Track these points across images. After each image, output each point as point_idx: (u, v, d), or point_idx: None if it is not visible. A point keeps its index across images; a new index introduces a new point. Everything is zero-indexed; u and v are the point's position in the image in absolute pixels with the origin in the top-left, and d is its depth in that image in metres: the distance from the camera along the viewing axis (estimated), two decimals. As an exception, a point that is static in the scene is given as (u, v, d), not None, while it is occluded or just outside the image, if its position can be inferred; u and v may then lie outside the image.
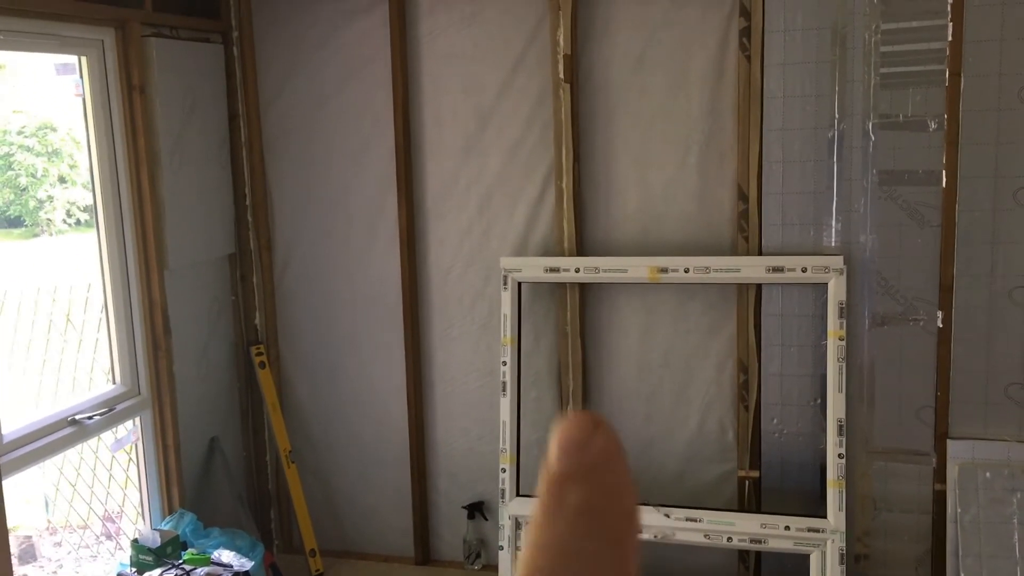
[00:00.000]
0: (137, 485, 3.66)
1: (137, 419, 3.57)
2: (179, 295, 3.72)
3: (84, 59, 3.30)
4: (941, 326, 3.47)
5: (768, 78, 3.50)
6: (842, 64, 3.44)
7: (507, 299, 3.77)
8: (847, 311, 3.49)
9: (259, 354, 4.14)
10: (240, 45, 3.98)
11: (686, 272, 3.58)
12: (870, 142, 3.45)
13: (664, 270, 3.60)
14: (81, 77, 3.33)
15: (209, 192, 3.89)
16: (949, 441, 3.50)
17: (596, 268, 3.68)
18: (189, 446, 3.79)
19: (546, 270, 3.74)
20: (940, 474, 3.54)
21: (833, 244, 3.53)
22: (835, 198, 3.51)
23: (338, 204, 4.08)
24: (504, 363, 3.77)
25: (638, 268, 3.63)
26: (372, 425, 4.19)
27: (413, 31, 3.88)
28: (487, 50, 3.81)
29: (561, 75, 3.69)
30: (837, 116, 3.47)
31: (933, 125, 3.39)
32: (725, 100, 3.60)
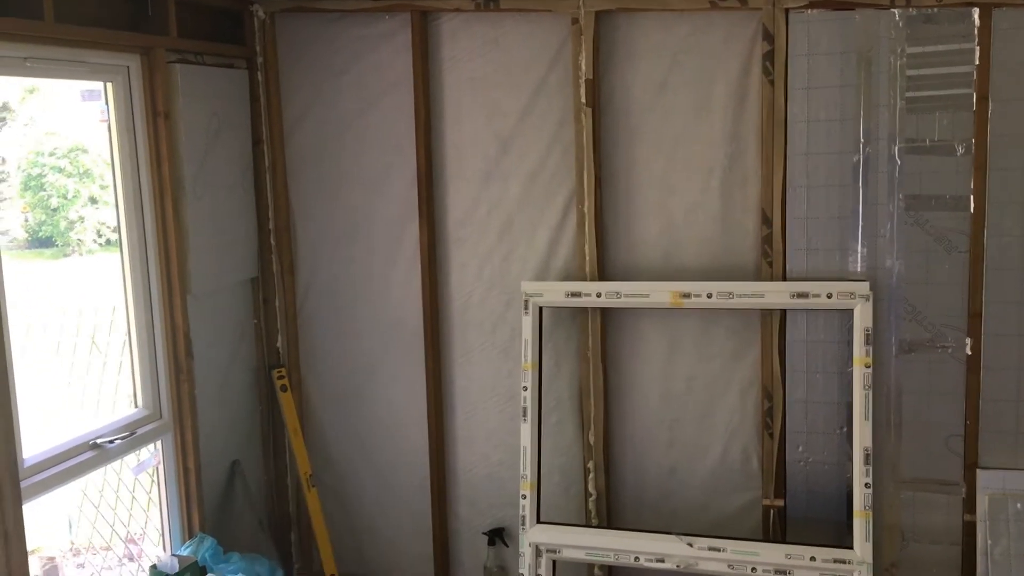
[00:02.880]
0: (159, 508, 3.66)
1: (158, 443, 3.57)
2: (202, 319, 3.72)
3: (110, 85, 3.33)
4: (970, 353, 3.41)
5: (792, 102, 3.47)
6: (867, 88, 3.40)
7: (528, 324, 3.75)
8: (873, 338, 3.43)
9: (280, 377, 4.14)
10: (265, 70, 4.01)
11: (709, 297, 3.54)
12: (896, 167, 3.41)
13: (687, 295, 3.56)
14: (106, 103, 3.36)
15: (232, 216, 3.90)
16: (979, 471, 3.43)
17: (617, 293, 3.65)
18: (210, 470, 3.79)
19: (567, 295, 3.71)
20: (970, 504, 3.47)
21: (859, 270, 3.48)
22: (861, 223, 3.47)
23: (360, 229, 4.09)
24: (524, 388, 3.74)
25: (660, 293, 3.59)
26: (392, 450, 4.17)
27: (435, 56, 3.89)
28: (509, 75, 3.81)
29: (583, 99, 3.67)
30: (862, 140, 3.43)
31: (960, 150, 3.34)
32: (748, 124, 3.58)
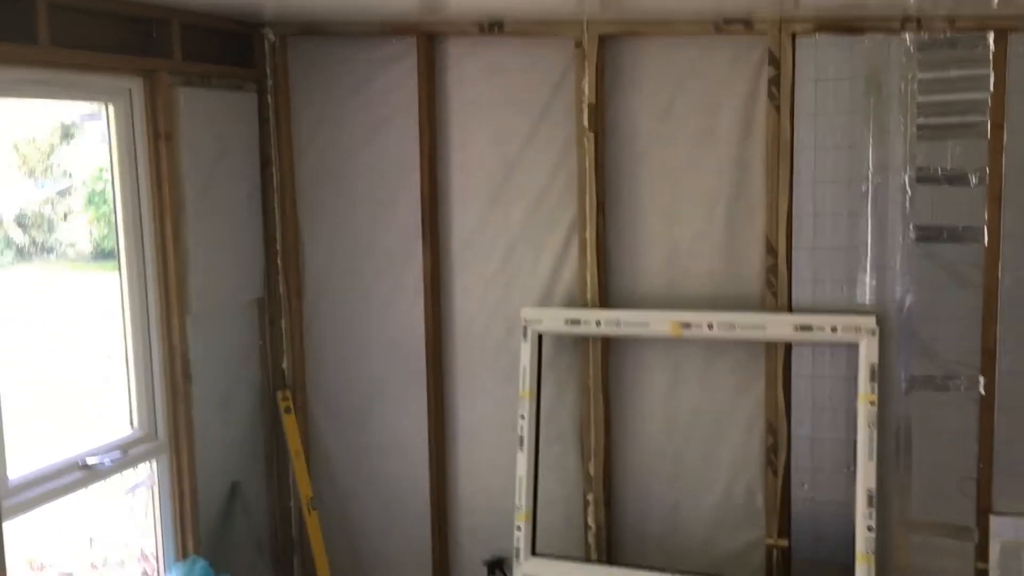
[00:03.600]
0: (153, 528, 3.66)
1: (153, 463, 3.57)
2: (203, 339, 3.73)
3: (111, 106, 3.37)
4: (984, 393, 3.26)
5: (799, 129, 3.37)
6: (877, 115, 3.29)
7: (527, 351, 3.68)
8: (882, 374, 3.30)
9: (285, 399, 4.13)
10: (275, 93, 4.02)
11: (710, 328, 3.44)
12: (906, 196, 3.28)
13: (687, 325, 3.47)
14: (108, 124, 3.39)
15: (237, 237, 3.91)
16: (992, 517, 3.26)
17: (617, 321, 3.57)
18: (208, 490, 3.78)
19: (566, 322, 3.64)
20: (982, 551, 3.31)
21: (867, 302, 3.36)
22: (869, 254, 3.34)
23: (367, 251, 4.07)
24: (522, 417, 3.67)
25: (660, 322, 3.50)
26: (395, 476, 4.12)
27: (442, 79, 3.86)
28: (514, 99, 3.77)
29: (586, 124, 3.62)
30: (872, 169, 3.31)
31: (974, 179, 3.20)
32: (755, 152, 3.48)
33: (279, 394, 4.12)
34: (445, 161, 3.90)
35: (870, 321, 3.26)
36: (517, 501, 3.65)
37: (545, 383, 3.80)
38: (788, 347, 3.47)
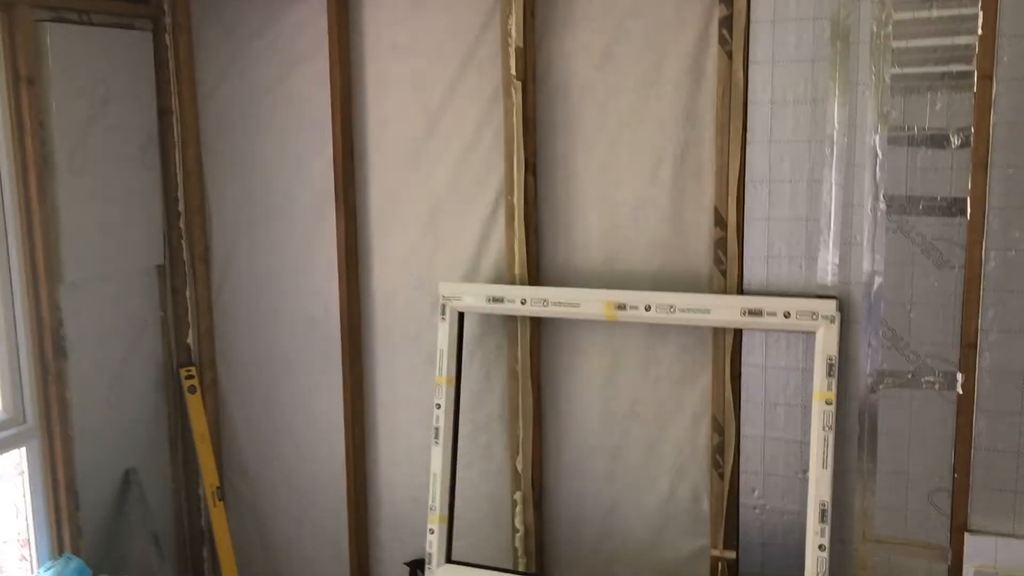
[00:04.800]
0: (25, 522, 3.28)
1: (23, 450, 3.18)
2: (85, 311, 3.32)
3: (-42, 45, 2.93)
4: (962, 392, 2.78)
5: (753, 79, 2.87)
6: (844, 63, 2.78)
7: (445, 330, 3.24)
8: (843, 367, 2.84)
9: (189, 377, 3.72)
10: (174, 32, 3.56)
11: (647, 311, 2.98)
12: (877, 160, 2.78)
13: (622, 306, 3.01)
14: (-42, 66, 2.96)
15: (128, 196, 3.48)
16: (967, 535, 2.80)
17: (544, 300, 3.11)
18: (94, 479, 3.40)
19: (489, 299, 3.19)
20: (956, 572, 2.85)
21: (828, 283, 2.88)
22: (832, 228, 2.86)
23: (281, 213, 3.63)
24: (438, 406, 3.24)
25: (592, 303, 3.05)
26: (310, 463, 3.72)
27: (356, 19, 3.38)
28: (436, 42, 3.29)
29: (513, 71, 3.13)
30: (837, 127, 2.81)
31: (957, 141, 2.70)
32: (705, 105, 2.99)
33: (182, 371, 3.71)
34: (361, 113, 3.44)
35: (830, 306, 2.78)
36: (431, 501, 3.23)
37: (470, 365, 3.37)
38: (738, 334, 3.00)
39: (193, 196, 3.67)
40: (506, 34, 3.12)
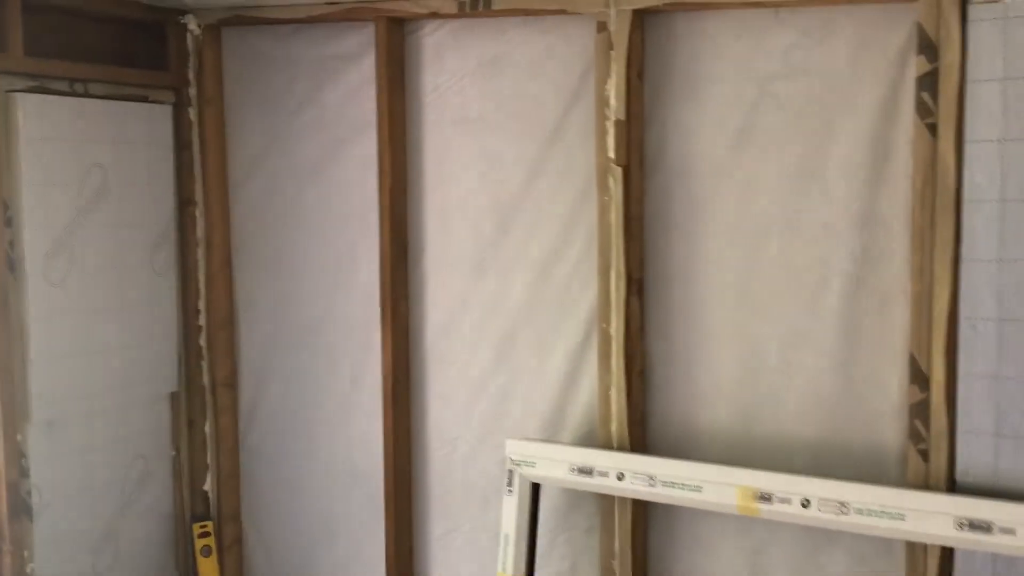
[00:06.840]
0: None
1: (-32, 638, 2.46)
2: (62, 457, 2.62)
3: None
4: None
5: (971, 165, 1.91)
6: (1125, 141, 1.78)
7: (512, 507, 2.35)
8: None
9: (204, 535, 2.95)
10: (199, 106, 2.88)
11: (804, 507, 2.00)
12: None
13: (766, 497, 2.04)
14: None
15: (132, 309, 2.79)
16: None
17: (651, 477, 2.18)
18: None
19: (573, 469, 2.28)
20: None
21: (1098, 484, 1.83)
22: (1103, 395, 1.83)
23: (320, 331, 2.86)
24: (499, 617, 2.33)
25: (720, 487, 2.09)
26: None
27: (413, 87, 2.61)
28: (513, 112, 2.48)
29: (611, 153, 2.26)
30: (1109, 240, 1.80)
31: None
32: (892, 201, 2.06)
33: (196, 527, 2.95)
34: (417, 204, 2.64)
35: (1104, 526, 1.74)
36: None
37: (549, 552, 2.46)
38: (949, 551, 1.97)
39: (218, 307, 2.94)
40: (602, 103, 2.26)
